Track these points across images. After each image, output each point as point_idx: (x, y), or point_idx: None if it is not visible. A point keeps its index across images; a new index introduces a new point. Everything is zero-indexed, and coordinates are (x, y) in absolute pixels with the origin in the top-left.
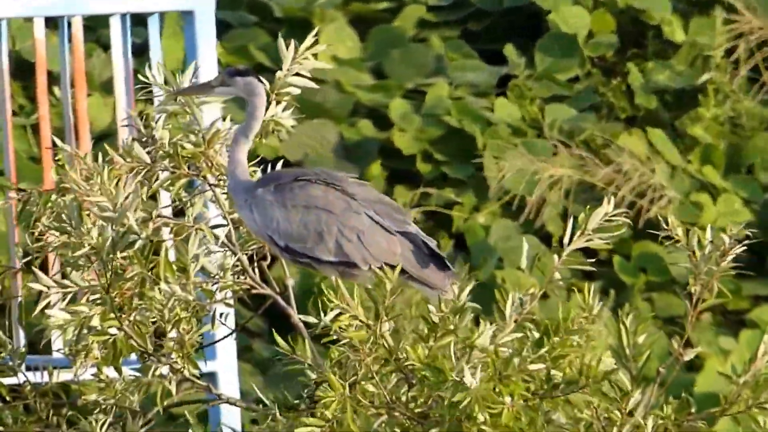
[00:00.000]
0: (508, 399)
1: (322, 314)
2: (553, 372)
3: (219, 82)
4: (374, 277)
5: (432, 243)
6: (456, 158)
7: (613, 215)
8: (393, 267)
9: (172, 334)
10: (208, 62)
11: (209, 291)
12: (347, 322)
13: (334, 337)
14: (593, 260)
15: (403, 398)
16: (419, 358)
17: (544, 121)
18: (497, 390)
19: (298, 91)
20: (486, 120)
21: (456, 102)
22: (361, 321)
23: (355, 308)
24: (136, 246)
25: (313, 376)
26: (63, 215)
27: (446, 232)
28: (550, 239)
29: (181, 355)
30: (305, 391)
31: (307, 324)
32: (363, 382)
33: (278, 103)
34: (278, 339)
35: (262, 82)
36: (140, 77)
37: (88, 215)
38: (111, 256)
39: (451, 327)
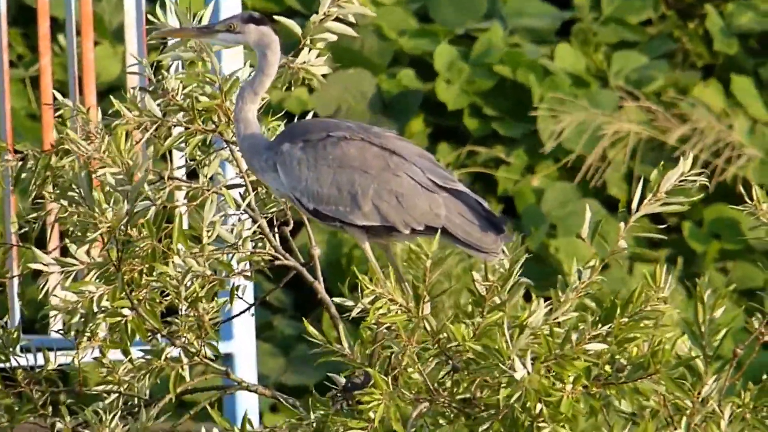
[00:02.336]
0: (566, 386)
1: (358, 294)
2: (617, 356)
3: (227, 27)
4: (416, 240)
5: (483, 202)
6: (508, 114)
7: (691, 176)
8: (437, 230)
9: (186, 311)
10: (231, 4)
11: (227, 264)
12: (384, 307)
13: (372, 323)
14: (662, 227)
15: (447, 384)
16: (464, 338)
17: (610, 70)
18: (554, 374)
19: (334, 38)
20: (544, 69)
21: (511, 49)
22: (400, 306)
23: (393, 291)
24: (149, 214)
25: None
26: (72, 186)
27: (494, 196)
28: (612, 204)
29: (198, 335)
30: (344, 380)
31: (341, 296)
32: (408, 371)
33: (310, 49)
34: (308, 326)
35: (277, 33)
36: (150, 18)
37: (95, 178)
38: (124, 230)
39: (499, 301)
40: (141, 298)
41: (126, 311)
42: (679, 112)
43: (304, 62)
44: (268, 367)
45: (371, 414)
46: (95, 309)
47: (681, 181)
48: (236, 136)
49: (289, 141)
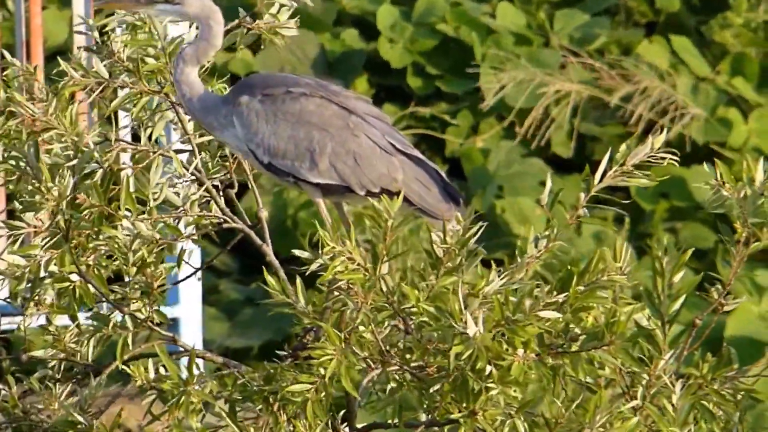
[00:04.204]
0: (518, 351)
1: (313, 251)
2: (571, 325)
3: None
4: (369, 202)
5: (441, 172)
6: (451, 72)
7: (660, 153)
8: (392, 193)
9: (133, 277)
10: None
11: (175, 228)
12: (342, 265)
13: (328, 279)
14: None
15: (399, 347)
16: (417, 299)
17: (553, 28)
18: (506, 338)
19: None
20: (486, 28)
21: (453, 8)
22: (359, 264)
23: (353, 249)
24: (96, 177)
25: (305, 321)
26: (17, 154)
27: (440, 157)
28: (556, 163)
29: (146, 302)
30: (295, 338)
31: (286, 261)
32: (360, 330)
33: (279, 11)
34: (269, 278)
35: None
36: None
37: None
38: (72, 194)
39: (456, 264)
40: (89, 263)
41: (74, 276)
42: (623, 72)
43: (272, 23)
44: (214, 331)
45: (322, 369)
46: (42, 274)
47: (650, 158)
48: (181, 98)
49: (248, 94)
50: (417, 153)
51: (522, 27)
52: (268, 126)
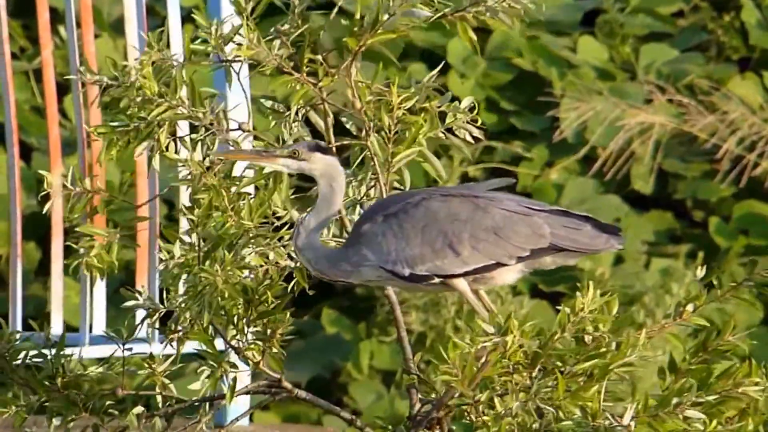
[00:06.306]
0: None
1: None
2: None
3: (290, 153)
4: (521, 271)
5: (588, 215)
6: (527, 108)
7: None
8: (542, 252)
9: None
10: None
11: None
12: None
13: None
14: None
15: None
16: (561, 396)
17: (639, 63)
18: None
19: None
20: (566, 62)
21: (530, 41)
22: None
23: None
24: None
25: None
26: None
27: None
28: (636, 200)
29: (262, 347)
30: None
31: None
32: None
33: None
34: (408, 361)
35: (343, 165)
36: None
37: None
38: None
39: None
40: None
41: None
42: (712, 106)
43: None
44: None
45: None
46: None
47: None
48: (306, 264)
49: (369, 222)
50: (558, 208)
51: (605, 61)
52: (398, 240)
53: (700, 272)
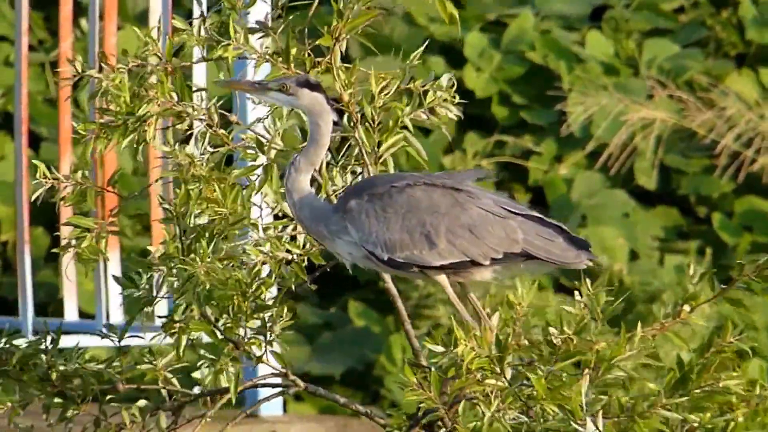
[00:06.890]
0: None
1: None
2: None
3: (279, 86)
4: (496, 272)
5: (562, 225)
6: (537, 101)
7: None
8: (516, 256)
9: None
10: None
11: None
12: (470, 356)
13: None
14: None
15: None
16: (542, 395)
17: (642, 58)
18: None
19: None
20: (575, 56)
21: (543, 36)
22: (489, 360)
23: (482, 342)
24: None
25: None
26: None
27: (523, 186)
28: (640, 194)
29: (262, 341)
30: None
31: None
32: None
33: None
34: (408, 372)
35: (330, 103)
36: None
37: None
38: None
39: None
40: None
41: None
42: (710, 102)
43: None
44: (291, 355)
45: None
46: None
47: None
48: (291, 206)
49: (355, 198)
50: (534, 213)
51: (610, 56)
52: (380, 223)
53: (706, 269)
